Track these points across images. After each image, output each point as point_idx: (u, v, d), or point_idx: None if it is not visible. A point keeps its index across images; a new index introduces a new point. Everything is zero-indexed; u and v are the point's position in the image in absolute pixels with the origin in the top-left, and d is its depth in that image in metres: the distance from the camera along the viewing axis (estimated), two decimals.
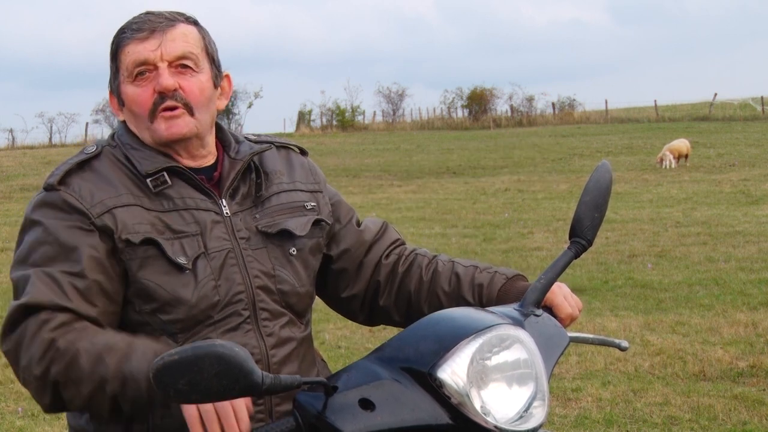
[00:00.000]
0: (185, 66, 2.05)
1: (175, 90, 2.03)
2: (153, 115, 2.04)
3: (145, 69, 2.03)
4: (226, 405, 1.78)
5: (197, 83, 2.06)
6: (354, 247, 2.28)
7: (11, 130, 43.36)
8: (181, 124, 2.04)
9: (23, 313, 1.91)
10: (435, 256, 2.31)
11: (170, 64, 2.03)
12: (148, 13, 2.09)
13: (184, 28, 2.07)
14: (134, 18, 2.09)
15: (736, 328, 7.16)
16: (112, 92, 2.13)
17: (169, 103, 2.03)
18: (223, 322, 2.02)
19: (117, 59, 2.07)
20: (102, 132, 44.91)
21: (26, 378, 1.91)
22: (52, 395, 1.89)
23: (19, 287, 1.95)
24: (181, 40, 2.05)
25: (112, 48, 2.09)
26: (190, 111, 2.05)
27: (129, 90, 2.05)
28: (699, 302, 8.16)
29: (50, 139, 43.83)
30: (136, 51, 2.03)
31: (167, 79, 2.02)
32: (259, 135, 2.26)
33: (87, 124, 45.29)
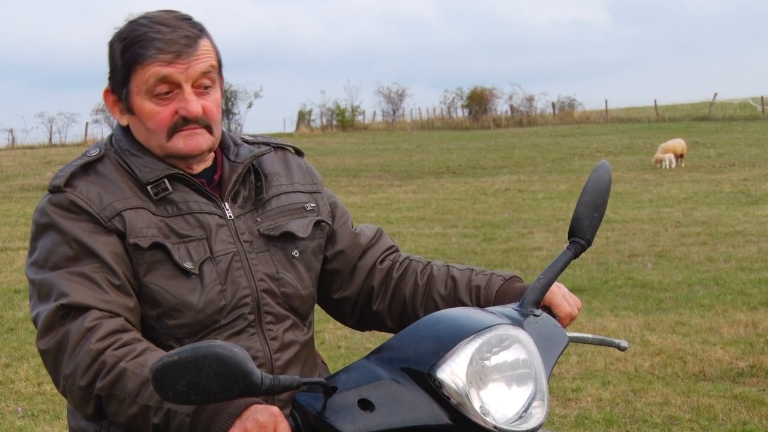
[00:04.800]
0: (206, 86, 2.03)
1: (200, 115, 2.01)
2: (172, 133, 2.01)
3: (168, 89, 1.99)
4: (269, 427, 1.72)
5: (215, 101, 2.05)
6: (349, 249, 2.27)
7: (11, 130, 43.41)
8: (201, 141, 2.03)
9: (63, 314, 1.88)
10: (429, 262, 2.30)
11: (193, 83, 2.00)
12: (162, 24, 1.99)
13: (202, 44, 2.02)
14: (151, 28, 1.99)
15: (736, 328, 7.16)
16: (112, 92, 2.06)
17: (191, 126, 2.02)
18: (229, 326, 2.02)
19: (132, 70, 1.99)
20: (102, 132, 44.96)
21: (68, 386, 1.88)
22: (95, 406, 1.87)
23: (42, 289, 1.93)
24: (203, 58, 2.01)
25: (124, 54, 1.99)
26: (210, 130, 2.05)
27: (146, 106, 2.00)
28: (699, 302, 8.16)
29: (50, 139, 43.85)
30: (160, 71, 1.97)
31: (195, 105, 2.00)
32: (255, 136, 2.25)
33: (87, 124, 45.42)
